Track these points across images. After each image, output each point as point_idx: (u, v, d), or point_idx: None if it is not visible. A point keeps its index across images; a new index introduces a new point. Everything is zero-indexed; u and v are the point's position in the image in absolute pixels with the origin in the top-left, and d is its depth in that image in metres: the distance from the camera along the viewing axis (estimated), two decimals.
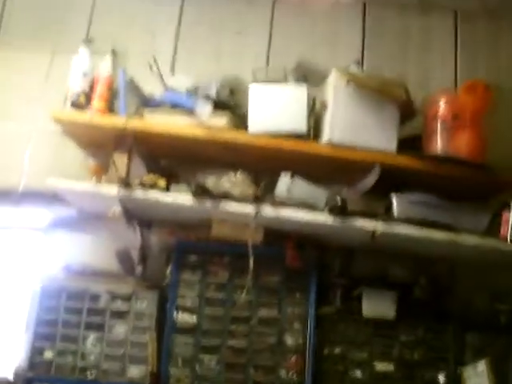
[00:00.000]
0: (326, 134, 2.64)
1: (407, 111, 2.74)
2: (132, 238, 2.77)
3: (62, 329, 2.71)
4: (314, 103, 2.72)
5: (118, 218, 2.61)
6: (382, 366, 2.74)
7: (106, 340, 2.71)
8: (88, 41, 2.89)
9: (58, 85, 2.86)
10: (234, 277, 2.77)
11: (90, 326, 2.72)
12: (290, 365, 2.72)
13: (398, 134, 2.69)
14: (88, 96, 2.76)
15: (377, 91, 2.65)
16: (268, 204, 2.57)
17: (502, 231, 2.58)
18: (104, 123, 2.70)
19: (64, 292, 2.75)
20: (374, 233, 2.57)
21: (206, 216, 2.67)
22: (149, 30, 3.14)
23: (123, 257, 2.78)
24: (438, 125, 2.67)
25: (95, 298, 2.75)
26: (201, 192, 2.54)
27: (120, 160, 2.63)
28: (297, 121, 2.67)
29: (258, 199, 2.59)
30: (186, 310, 2.74)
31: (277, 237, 2.72)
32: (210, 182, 2.60)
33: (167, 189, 2.59)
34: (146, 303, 2.74)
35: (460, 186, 2.67)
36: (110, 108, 2.78)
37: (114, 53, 2.91)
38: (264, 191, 2.62)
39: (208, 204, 2.55)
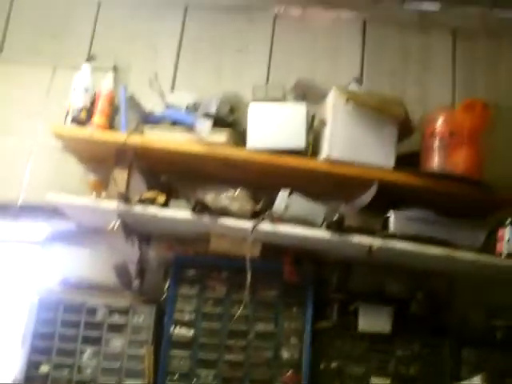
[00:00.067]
0: (325, 151, 2.66)
1: (405, 129, 2.77)
2: (130, 252, 2.79)
3: (59, 342, 2.71)
4: (313, 120, 2.75)
5: (117, 232, 2.62)
6: (378, 381, 2.73)
7: (103, 353, 2.71)
8: (90, 58, 2.92)
9: (59, 100, 2.88)
10: (232, 291, 2.78)
11: (86, 340, 2.72)
12: (287, 379, 2.71)
13: (395, 151, 2.71)
14: (89, 111, 2.79)
15: (376, 109, 2.68)
16: (266, 219, 2.58)
17: (498, 247, 2.61)
18: (104, 139, 2.72)
19: (61, 305, 2.75)
20: (370, 248, 2.58)
21: (204, 231, 2.69)
22: (150, 47, 3.17)
23: (121, 271, 2.79)
24: (436, 142, 2.70)
25: (92, 311, 2.75)
26: (200, 208, 2.56)
27: (120, 175, 2.65)
28: (296, 138, 2.69)
29: (256, 215, 2.61)
30: (183, 324, 2.75)
31: (275, 251, 2.74)
32: (209, 197, 2.62)
33: (166, 204, 2.61)
34: (143, 317, 2.74)
35: (457, 202, 2.68)
36: (111, 124, 2.80)
37: (115, 69, 2.95)
38: (263, 207, 2.64)
39: (206, 219, 2.57)
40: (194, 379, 2.71)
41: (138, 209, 2.58)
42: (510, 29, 3.20)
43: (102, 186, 2.72)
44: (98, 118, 2.78)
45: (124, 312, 2.75)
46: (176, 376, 2.71)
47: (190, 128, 2.70)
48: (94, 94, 2.84)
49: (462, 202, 2.69)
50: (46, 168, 2.94)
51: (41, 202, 2.66)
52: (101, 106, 2.80)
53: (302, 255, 2.79)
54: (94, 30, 3.20)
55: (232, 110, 2.83)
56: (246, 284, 2.58)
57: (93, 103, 2.81)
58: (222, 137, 2.70)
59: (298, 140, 2.70)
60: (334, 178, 2.70)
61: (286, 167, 2.68)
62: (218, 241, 2.70)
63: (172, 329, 2.74)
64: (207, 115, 2.72)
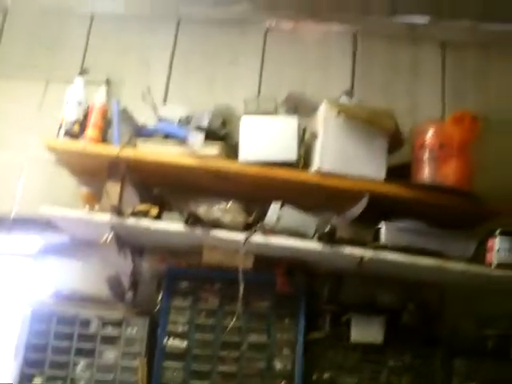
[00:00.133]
0: (316, 163, 2.68)
1: (396, 141, 2.80)
2: (123, 265, 2.80)
3: (52, 355, 2.71)
4: (304, 133, 2.77)
5: (110, 244, 2.63)
6: None
7: (96, 366, 2.71)
8: (83, 72, 2.93)
9: (52, 114, 2.89)
10: (224, 303, 2.79)
11: (80, 352, 2.72)
12: None
13: (386, 163, 2.73)
14: (82, 125, 2.80)
15: (366, 122, 2.70)
16: (258, 231, 2.60)
17: (488, 258, 2.64)
18: (97, 152, 2.74)
19: (54, 317, 2.75)
20: (362, 259, 2.60)
21: (197, 243, 2.70)
22: (143, 60, 3.21)
23: (114, 283, 2.80)
24: (426, 154, 2.72)
25: (85, 323, 2.75)
26: (192, 220, 2.57)
27: (113, 188, 2.66)
28: (287, 150, 2.71)
29: (248, 227, 2.63)
30: (176, 335, 2.76)
31: (267, 263, 2.75)
32: (202, 210, 2.63)
33: (159, 217, 2.63)
34: (136, 329, 2.75)
35: (447, 213, 2.70)
36: (104, 137, 2.81)
37: (108, 82, 2.97)
38: (255, 219, 2.65)
39: (199, 231, 2.58)
40: None
41: (131, 221, 2.59)
42: (498, 41, 3.25)
43: (94, 198, 2.73)
44: (91, 131, 2.79)
45: (117, 324, 2.75)
46: None
47: (182, 141, 2.72)
48: (87, 108, 2.85)
49: (452, 213, 2.71)
50: (39, 181, 2.95)
51: (34, 214, 2.67)
52: (94, 119, 2.82)
53: (294, 267, 2.81)
54: (87, 44, 3.23)
55: (224, 123, 2.86)
56: (238, 295, 2.60)
57: (86, 117, 2.83)
58: (214, 150, 2.72)
59: (290, 152, 2.72)
60: (326, 190, 2.71)
61: (278, 179, 2.70)
62: (211, 253, 2.72)
63: (165, 340, 2.74)
64: (199, 128, 2.75)
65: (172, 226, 2.61)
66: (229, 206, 2.67)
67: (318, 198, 2.80)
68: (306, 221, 2.69)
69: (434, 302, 2.88)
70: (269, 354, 2.77)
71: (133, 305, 2.78)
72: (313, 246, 2.61)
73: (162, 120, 2.83)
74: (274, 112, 2.82)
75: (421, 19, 3.21)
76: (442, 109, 3.17)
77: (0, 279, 2.95)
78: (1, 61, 3.18)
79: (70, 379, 2.69)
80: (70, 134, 2.77)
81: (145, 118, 2.86)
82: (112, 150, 2.72)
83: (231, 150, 2.78)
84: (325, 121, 2.72)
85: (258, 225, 2.62)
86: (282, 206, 2.65)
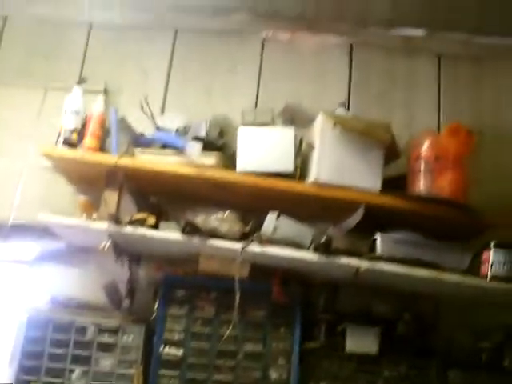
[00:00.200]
0: (313, 174, 2.70)
1: (392, 152, 2.82)
2: (120, 272, 2.81)
3: (48, 362, 2.70)
4: (301, 144, 2.79)
5: (107, 252, 2.63)
6: None
7: (92, 373, 2.71)
8: (81, 80, 2.94)
9: (50, 122, 2.91)
10: (221, 312, 2.79)
11: (76, 359, 2.72)
12: None
13: (382, 175, 2.75)
14: (80, 134, 2.81)
15: (362, 134, 2.72)
16: (255, 241, 2.61)
17: (483, 270, 2.65)
18: (95, 161, 2.75)
19: (50, 324, 2.75)
20: (357, 270, 2.62)
21: (194, 251, 2.71)
22: (141, 69, 3.23)
23: (111, 290, 2.81)
24: (422, 166, 2.74)
25: (82, 330, 2.75)
26: (190, 229, 2.59)
27: (111, 197, 2.67)
28: (284, 161, 2.73)
29: (245, 236, 2.64)
30: (172, 343, 2.76)
31: (263, 272, 2.76)
32: (199, 219, 2.65)
33: (157, 226, 2.64)
34: (132, 337, 2.75)
35: (442, 225, 2.72)
36: (102, 146, 2.82)
37: (106, 91, 3.00)
38: (251, 229, 2.67)
39: (196, 240, 2.60)
40: None
41: (129, 230, 2.60)
42: (492, 54, 3.29)
43: (92, 206, 2.74)
44: (89, 140, 2.81)
45: (113, 331, 2.75)
46: None
47: (180, 151, 2.74)
48: (85, 117, 2.86)
49: (447, 225, 2.73)
50: (36, 188, 2.96)
51: (31, 221, 2.69)
52: (92, 128, 2.83)
53: (290, 276, 2.82)
54: (85, 53, 3.25)
55: (221, 133, 2.89)
56: (234, 304, 2.61)
57: (84, 125, 2.84)
58: (211, 160, 2.74)
59: (287, 163, 2.73)
60: (322, 200, 2.73)
61: (275, 190, 2.72)
62: (207, 261, 2.72)
63: (161, 348, 2.75)
64: (197, 138, 2.77)
65: (169, 234, 2.62)
66: (226, 215, 2.69)
67: (315, 208, 2.83)
68: (303, 231, 2.70)
69: (429, 314, 2.88)
70: (264, 363, 2.77)
71: (129, 312, 2.79)
72: (309, 256, 2.62)
73: (160, 129, 2.85)
74: (271, 123, 2.84)
75: (417, 32, 3.26)
76: (438, 120, 3.20)
77: None
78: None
79: None
80: (68, 143, 2.78)
81: (143, 127, 2.88)
82: (110, 158, 2.73)
83: (228, 160, 2.80)
84: (321, 132, 2.74)
85: (255, 234, 2.64)
86: (278, 216, 2.67)
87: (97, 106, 2.89)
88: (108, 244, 2.60)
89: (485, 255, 2.66)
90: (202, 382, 2.74)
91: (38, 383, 2.68)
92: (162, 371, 2.73)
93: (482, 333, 2.84)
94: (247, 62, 3.28)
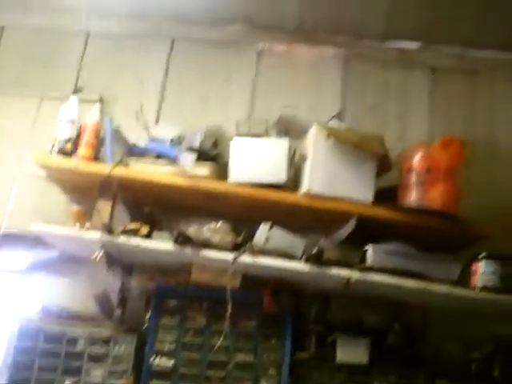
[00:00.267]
0: (305, 186, 2.71)
1: (384, 164, 2.83)
2: (111, 282, 2.82)
3: (38, 373, 2.69)
4: (294, 155, 2.80)
5: (100, 262, 2.64)
6: None
7: None
8: (77, 90, 2.96)
9: (45, 130, 2.93)
10: (212, 322, 2.81)
11: (66, 371, 2.71)
12: None
13: (374, 186, 2.76)
14: (75, 143, 2.82)
15: (356, 146, 2.74)
16: (247, 252, 2.62)
17: (472, 281, 2.67)
18: (89, 170, 2.76)
19: (41, 335, 2.74)
20: (348, 280, 2.63)
21: (186, 262, 2.72)
22: (137, 78, 3.25)
23: (102, 300, 2.81)
24: (413, 177, 2.75)
25: (73, 341, 2.75)
26: (182, 239, 2.60)
27: (104, 206, 2.68)
28: (277, 172, 2.74)
29: (237, 247, 2.65)
30: (163, 354, 2.77)
31: (254, 283, 2.77)
32: (192, 229, 2.66)
33: (150, 236, 2.65)
34: (124, 347, 2.75)
35: (433, 236, 2.74)
36: (96, 155, 2.83)
37: (101, 100, 3.00)
38: (244, 239, 2.68)
39: (188, 251, 2.61)
40: None
41: (122, 240, 2.61)
42: (484, 67, 3.32)
43: (85, 216, 2.75)
44: (84, 149, 2.81)
45: (105, 342, 2.76)
46: None
47: (173, 161, 2.75)
48: (80, 126, 2.87)
49: (438, 237, 2.75)
50: (30, 197, 2.97)
51: (24, 230, 2.69)
52: (86, 137, 2.83)
53: (282, 287, 2.83)
54: (82, 62, 3.27)
55: (215, 144, 2.90)
56: (226, 315, 2.62)
57: (79, 135, 2.85)
58: (204, 170, 2.75)
59: (280, 174, 2.75)
60: (314, 211, 2.75)
61: (268, 201, 2.73)
62: (200, 272, 2.74)
63: (152, 359, 2.75)
64: (191, 149, 2.79)
65: (161, 245, 2.63)
66: (218, 226, 2.70)
67: (307, 219, 2.84)
68: (294, 242, 2.72)
69: (419, 324, 2.89)
70: (255, 373, 2.78)
71: (121, 322, 2.79)
72: (300, 266, 2.63)
73: (154, 140, 2.86)
74: (265, 134, 2.86)
75: (411, 45, 3.30)
76: (430, 132, 3.21)
77: None
78: None
79: None
80: (63, 152, 2.79)
81: (137, 136, 2.90)
82: (104, 168, 2.74)
83: (222, 170, 2.81)
84: (315, 144, 2.76)
85: (247, 245, 2.65)
86: (271, 227, 2.68)
87: (92, 116, 2.90)
88: (100, 254, 2.60)
89: (474, 266, 2.68)
90: None
91: None
92: (153, 381, 2.74)
93: (472, 343, 2.85)
94: (243, 72, 3.31)
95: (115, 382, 2.71)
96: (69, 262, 2.89)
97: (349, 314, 2.88)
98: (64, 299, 2.86)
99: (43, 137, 2.90)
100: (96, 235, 2.60)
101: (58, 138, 2.81)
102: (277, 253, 2.64)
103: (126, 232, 2.62)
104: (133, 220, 2.70)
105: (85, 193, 2.85)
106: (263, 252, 2.64)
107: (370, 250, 2.71)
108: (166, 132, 2.88)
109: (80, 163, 2.77)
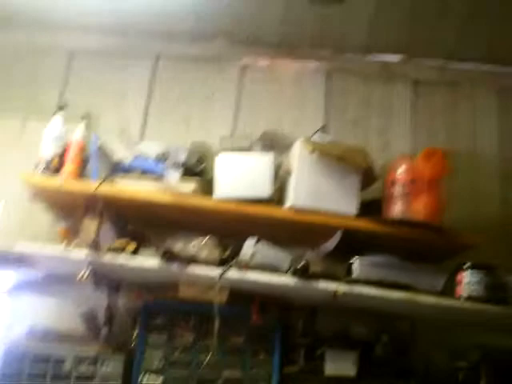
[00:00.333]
0: (290, 200, 2.72)
1: (368, 177, 2.85)
2: (98, 300, 2.80)
3: None
4: (278, 170, 2.82)
5: (86, 280, 2.61)
6: None
7: None
8: (61, 107, 2.94)
9: (30, 148, 2.90)
10: (200, 338, 2.80)
11: None
12: None
13: (359, 199, 2.78)
14: (60, 161, 2.81)
15: (339, 159, 2.75)
16: (233, 267, 2.62)
17: (457, 291, 2.68)
18: (74, 188, 2.75)
19: (27, 357, 2.69)
20: (335, 293, 2.62)
21: (173, 278, 2.72)
22: (120, 96, 3.26)
23: (89, 318, 2.79)
24: (397, 190, 2.76)
25: (60, 361, 2.70)
26: (168, 256, 2.59)
27: (90, 224, 2.66)
28: (262, 187, 2.75)
29: (223, 262, 2.65)
30: (151, 372, 2.75)
31: (242, 298, 2.76)
32: (178, 246, 2.65)
33: (136, 253, 2.64)
34: (111, 366, 2.72)
35: (418, 248, 2.76)
36: (82, 173, 2.82)
37: (86, 118, 2.98)
38: (230, 254, 2.68)
39: (175, 268, 2.60)
40: None
41: (108, 257, 2.60)
42: (466, 80, 3.37)
43: (71, 234, 2.74)
44: (69, 166, 2.80)
45: (92, 361, 2.72)
46: None
47: (158, 178, 2.75)
48: (65, 144, 2.85)
49: (423, 248, 2.77)
50: (15, 216, 2.94)
51: (9, 250, 2.64)
52: (71, 154, 2.82)
53: (269, 301, 2.83)
54: (65, 80, 3.27)
55: (200, 160, 2.90)
56: (213, 331, 2.61)
57: (64, 152, 2.83)
58: (190, 186, 2.75)
59: (264, 189, 2.75)
60: (300, 225, 2.75)
61: (253, 216, 2.73)
62: (187, 288, 2.73)
63: (141, 377, 2.74)
64: (176, 165, 2.79)
65: (148, 262, 2.62)
66: (204, 241, 2.69)
67: (292, 233, 2.85)
68: (280, 256, 2.72)
69: (406, 334, 2.91)
70: None
71: (108, 341, 2.77)
72: (287, 280, 2.63)
73: (139, 156, 2.86)
74: (249, 149, 2.87)
75: (393, 58, 3.34)
76: (414, 144, 3.24)
77: None
78: None
79: None
80: (48, 170, 2.77)
81: (122, 153, 2.88)
82: (89, 186, 2.72)
83: (207, 186, 2.80)
84: (299, 158, 2.76)
85: (234, 260, 2.65)
86: (257, 241, 2.69)
87: (76, 133, 2.88)
88: (87, 273, 2.58)
89: (459, 276, 2.70)
90: None
91: None
92: None
93: (459, 353, 2.86)
94: (226, 88, 3.32)
95: None
96: (55, 281, 2.86)
97: (336, 325, 2.89)
98: (50, 319, 2.84)
99: (28, 155, 2.88)
100: (82, 253, 2.58)
101: (42, 157, 2.80)
102: (263, 267, 2.64)
103: (112, 249, 2.61)
104: (119, 237, 2.68)
105: (70, 211, 2.84)
106: (250, 267, 2.63)
107: (356, 262, 2.72)
108: (150, 148, 2.88)
109: (65, 181, 2.75)
